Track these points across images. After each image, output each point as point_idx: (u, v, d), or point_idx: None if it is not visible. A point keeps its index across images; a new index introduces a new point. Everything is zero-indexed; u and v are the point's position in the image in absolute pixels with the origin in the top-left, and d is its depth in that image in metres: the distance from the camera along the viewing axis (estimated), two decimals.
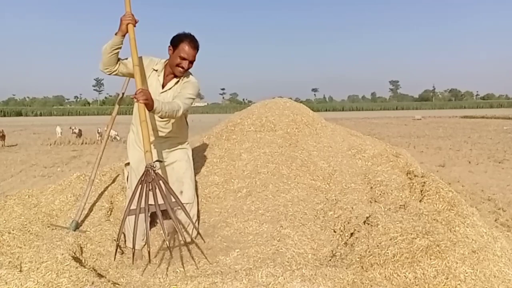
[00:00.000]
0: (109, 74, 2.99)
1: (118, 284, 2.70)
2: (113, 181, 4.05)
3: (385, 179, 3.87)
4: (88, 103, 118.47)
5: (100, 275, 2.75)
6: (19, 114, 73.91)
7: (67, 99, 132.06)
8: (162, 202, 2.64)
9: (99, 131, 16.46)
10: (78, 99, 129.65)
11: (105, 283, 2.51)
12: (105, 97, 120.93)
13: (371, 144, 4.89)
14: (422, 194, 3.47)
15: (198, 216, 3.51)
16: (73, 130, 17.71)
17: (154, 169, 2.67)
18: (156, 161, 2.85)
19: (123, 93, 3.74)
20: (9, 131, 20.91)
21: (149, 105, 2.69)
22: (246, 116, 5.19)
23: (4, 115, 69.43)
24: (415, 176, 3.89)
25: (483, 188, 6.89)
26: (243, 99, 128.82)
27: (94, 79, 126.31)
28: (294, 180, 4.02)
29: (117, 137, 16.49)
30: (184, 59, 2.99)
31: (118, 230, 3.35)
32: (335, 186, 3.92)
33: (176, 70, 3.04)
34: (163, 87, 3.11)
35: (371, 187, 3.83)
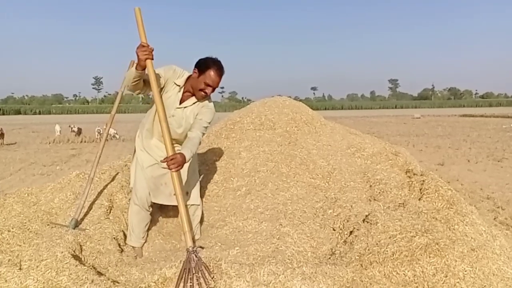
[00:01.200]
0: (137, 94, 3.04)
1: (118, 282, 2.69)
2: (113, 179, 4.04)
3: (384, 178, 3.87)
4: (87, 102, 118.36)
5: (100, 273, 2.75)
6: (18, 112, 73.84)
7: (66, 98, 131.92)
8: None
9: (100, 131, 16.41)
10: (77, 98, 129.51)
11: (104, 281, 2.51)
12: (104, 96, 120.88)
13: (370, 142, 4.89)
14: (421, 193, 3.47)
15: (202, 217, 3.52)
16: (72, 128, 17.69)
17: (196, 254, 2.58)
18: (199, 247, 2.74)
19: (122, 92, 3.73)
20: (8, 129, 20.88)
21: (182, 167, 2.76)
22: (245, 114, 5.19)
23: (3, 114, 69.38)
24: (414, 174, 3.89)
25: (482, 187, 6.90)
26: (242, 98, 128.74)
27: (93, 78, 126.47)
28: (294, 178, 4.02)
29: (116, 135, 16.50)
30: (208, 85, 3.00)
31: (117, 229, 3.36)
32: (334, 184, 3.93)
33: (198, 94, 3.05)
34: (180, 102, 3.10)
35: (370, 186, 3.83)
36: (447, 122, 27.22)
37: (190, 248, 2.59)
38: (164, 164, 2.77)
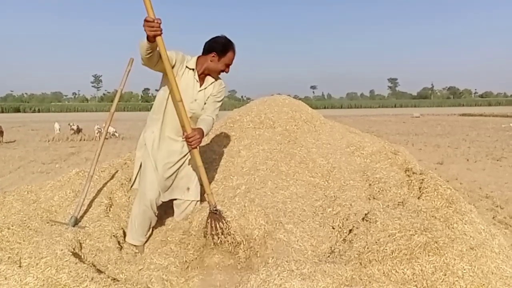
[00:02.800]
0: (151, 68, 2.91)
1: (118, 280, 2.70)
2: (112, 177, 4.04)
3: (384, 176, 3.88)
4: (86, 100, 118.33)
5: (100, 271, 2.75)
6: (17, 110, 73.75)
7: (65, 96, 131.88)
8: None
9: (100, 130, 16.39)
10: (76, 96, 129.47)
11: (104, 279, 2.51)
12: (103, 94, 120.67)
13: (369, 141, 4.89)
14: (420, 191, 3.48)
15: None
16: (71, 126, 17.67)
17: (217, 212, 3.11)
18: (216, 209, 3.16)
19: (121, 90, 3.73)
20: (7, 127, 20.86)
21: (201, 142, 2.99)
22: (245, 113, 5.19)
23: (2, 111, 69.26)
24: (413, 173, 3.90)
25: (481, 186, 6.91)
26: (242, 96, 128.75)
27: (93, 76, 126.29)
28: (293, 177, 4.03)
29: (115, 133, 16.48)
30: (228, 65, 3.15)
31: (117, 226, 3.36)
32: (333, 183, 3.93)
33: (216, 75, 3.20)
34: (200, 85, 3.17)
35: (370, 184, 3.84)
36: (446, 121, 27.22)
37: (213, 208, 3.11)
38: (175, 166, 3.16)
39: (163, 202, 3.32)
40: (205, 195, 3.22)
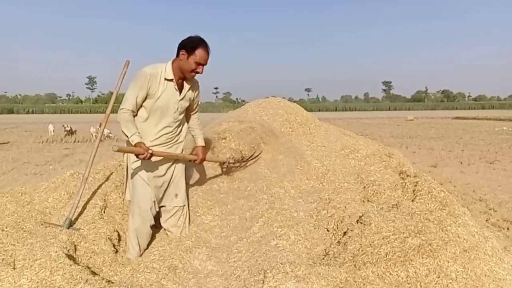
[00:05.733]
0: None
1: (112, 282, 2.70)
2: (107, 179, 4.03)
3: (378, 179, 3.89)
4: (81, 101, 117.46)
5: (94, 273, 2.75)
6: (10, 111, 73.23)
7: (59, 97, 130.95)
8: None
9: (95, 132, 16.29)
10: (71, 97, 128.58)
11: (99, 281, 2.51)
12: (98, 95, 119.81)
13: (364, 144, 4.91)
14: (414, 194, 3.50)
15: (189, 216, 3.53)
16: (65, 128, 17.60)
17: (234, 162, 3.98)
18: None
19: (117, 92, 3.72)
20: (1, 128, 20.80)
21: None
22: (240, 115, 5.19)
23: None
24: (407, 176, 3.92)
25: (475, 189, 6.95)
26: (237, 99, 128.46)
27: (87, 77, 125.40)
28: (288, 179, 4.03)
29: (110, 135, 16.41)
30: (200, 64, 3.01)
31: (112, 228, 3.35)
32: (328, 185, 3.94)
33: (189, 75, 3.08)
34: (180, 93, 3.14)
35: (364, 187, 3.86)
36: (440, 124, 27.36)
37: (227, 163, 4.01)
38: (166, 174, 3.25)
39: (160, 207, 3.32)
40: (218, 165, 4.06)
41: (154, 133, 3.11)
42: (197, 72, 3.04)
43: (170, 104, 3.07)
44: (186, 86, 3.16)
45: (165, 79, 3.03)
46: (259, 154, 4.22)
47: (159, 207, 3.32)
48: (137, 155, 2.89)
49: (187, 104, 3.22)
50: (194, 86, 3.26)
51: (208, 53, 3.03)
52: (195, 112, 3.44)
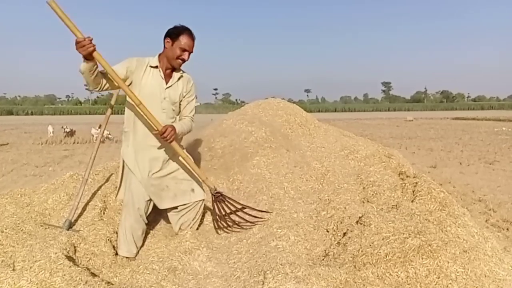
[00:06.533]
0: (100, 91, 2.93)
1: (112, 284, 2.70)
2: (106, 180, 4.03)
3: (378, 180, 3.90)
4: (80, 103, 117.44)
5: (94, 274, 2.75)
6: (10, 113, 73.24)
7: (59, 98, 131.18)
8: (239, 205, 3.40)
9: (96, 133, 16.26)
10: (70, 98, 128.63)
11: (98, 283, 2.51)
12: (97, 97, 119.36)
13: (363, 145, 4.92)
14: (414, 195, 3.50)
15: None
16: (64, 129, 17.58)
17: (222, 194, 3.34)
18: (217, 191, 3.35)
19: (117, 93, 3.72)
20: (0, 130, 20.72)
21: (176, 137, 2.99)
22: (239, 116, 5.19)
23: None
24: (407, 176, 3.92)
25: (474, 189, 6.95)
26: (236, 100, 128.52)
27: None
28: (287, 180, 4.03)
29: (109, 136, 16.41)
30: (185, 50, 3.01)
31: (111, 230, 3.34)
32: (328, 186, 3.95)
33: (175, 63, 3.04)
34: (166, 82, 3.08)
35: (364, 188, 3.86)
36: (439, 125, 27.38)
37: (216, 194, 3.32)
38: (162, 171, 3.12)
39: (161, 209, 3.30)
40: (202, 181, 3.30)
41: (140, 129, 3.07)
42: (183, 60, 3.03)
43: (156, 91, 3.03)
44: (175, 76, 3.13)
45: (150, 66, 3.04)
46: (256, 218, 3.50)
47: (177, 206, 3.28)
48: (77, 42, 2.55)
49: (176, 96, 3.12)
50: (185, 80, 3.18)
51: (193, 40, 3.04)
52: (190, 117, 3.25)
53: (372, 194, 3.68)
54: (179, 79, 3.14)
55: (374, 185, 3.80)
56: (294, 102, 6.35)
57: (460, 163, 10.10)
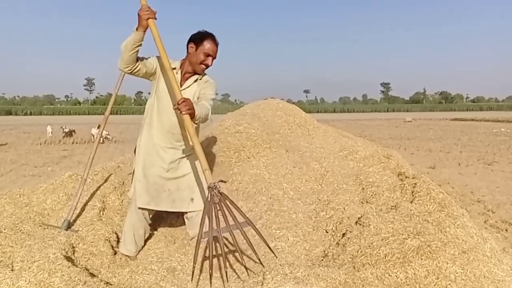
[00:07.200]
0: (129, 73, 2.88)
1: (110, 284, 2.70)
2: (105, 180, 4.03)
3: (377, 180, 3.90)
4: (79, 103, 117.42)
5: (92, 275, 2.74)
6: (9, 113, 73.21)
7: (58, 98, 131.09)
8: (233, 223, 2.72)
9: (96, 134, 16.26)
10: (69, 99, 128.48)
11: (97, 283, 2.51)
12: (96, 97, 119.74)
13: (362, 145, 4.92)
14: (413, 195, 3.50)
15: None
16: (63, 129, 17.56)
17: (218, 189, 2.72)
18: (220, 181, 2.92)
19: (116, 93, 3.72)
20: None
21: (192, 114, 2.68)
22: (238, 116, 5.19)
23: None
24: (406, 177, 3.92)
25: (473, 190, 6.96)
26: (235, 100, 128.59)
27: (85, 79, 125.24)
28: (287, 180, 4.03)
29: (108, 136, 16.41)
30: (209, 55, 2.99)
31: (110, 230, 3.34)
32: (327, 187, 3.94)
33: (199, 68, 3.02)
34: (181, 85, 3.04)
35: (363, 188, 3.85)
36: (438, 126, 27.40)
37: (212, 185, 2.72)
38: (166, 174, 3.04)
39: (161, 211, 3.27)
40: (203, 171, 2.83)
41: (156, 126, 3.07)
42: (206, 65, 3.02)
43: (171, 91, 2.99)
44: (192, 79, 3.09)
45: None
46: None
47: (182, 214, 3.24)
48: (142, 6, 2.72)
49: (190, 97, 3.00)
50: (202, 81, 3.11)
51: (216, 45, 3.03)
52: (208, 103, 3.01)
53: (371, 195, 3.68)
54: (195, 81, 3.10)
55: (373, 186, 3.80)
56: (293, 103, 6.35)
57: (459, 164, 10.10)
